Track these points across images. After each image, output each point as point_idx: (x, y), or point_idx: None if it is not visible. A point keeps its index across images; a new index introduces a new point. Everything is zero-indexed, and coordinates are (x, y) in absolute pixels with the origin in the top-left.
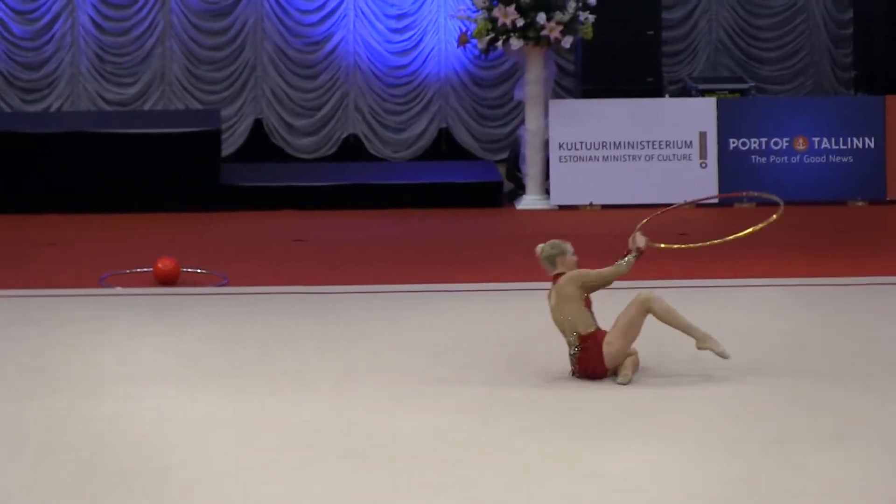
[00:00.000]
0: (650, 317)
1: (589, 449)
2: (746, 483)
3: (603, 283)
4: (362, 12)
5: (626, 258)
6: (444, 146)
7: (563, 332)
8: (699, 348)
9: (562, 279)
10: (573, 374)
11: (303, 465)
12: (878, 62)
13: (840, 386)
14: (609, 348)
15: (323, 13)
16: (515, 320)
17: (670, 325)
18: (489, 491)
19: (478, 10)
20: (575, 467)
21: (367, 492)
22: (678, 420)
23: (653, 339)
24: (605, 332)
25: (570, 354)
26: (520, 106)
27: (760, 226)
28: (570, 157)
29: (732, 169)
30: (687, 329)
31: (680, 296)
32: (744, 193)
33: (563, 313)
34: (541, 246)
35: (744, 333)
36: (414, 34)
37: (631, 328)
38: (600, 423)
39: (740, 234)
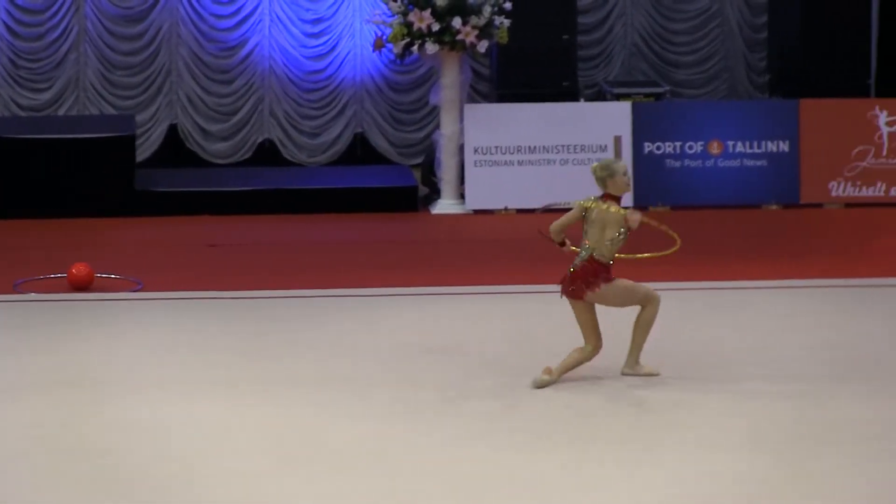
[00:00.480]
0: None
1: (531, 456)
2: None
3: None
4: (277, 17)
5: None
6: (360, 151)
7: (586, 241)
8: (624, 373)
9: (613, 206)
10: (563, 286)
11: (233, 474)
12: (793, 66)
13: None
14: (605, 291)
15: (238, 18)
16: (438, 325)
17: (636, 332)
18: (428, 499)
19: (393, 15)
20: (516, 474)
21: (300, 501)
22: (618, 426)
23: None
24: (615, 278)
25: (574, 263)
26: (435, 110)
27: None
28: (486, 161)
29: (647, 173)
30: (637, 348)
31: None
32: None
33: (596, 230)
34: (594, 165)
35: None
36: (329, 39)
37: (626, 298)
38: (542, 429)
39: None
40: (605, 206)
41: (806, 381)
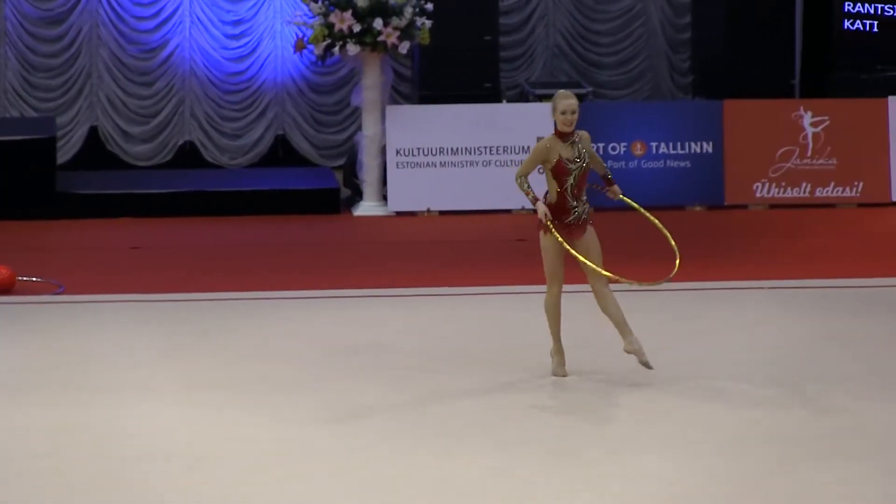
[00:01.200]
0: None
1: (441, 457)
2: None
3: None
4: (198, 19)
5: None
6: (281, 153)
7: (580, 190)
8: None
9: (585, 133)
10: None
11: (149, 476)
12: (716, 67)
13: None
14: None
15: (159, 20)
16: (361, 327)
17: (607, 314)
18: (341, 503)
19: (314, 16)
20: (427, 477)
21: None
22: (524, 428)
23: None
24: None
25: (581, 212)
26: (357, 112)
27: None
28: (408, 163)
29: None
30: (556, 334)
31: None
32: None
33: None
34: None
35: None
36: (250, 40)
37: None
38: (458, 429)
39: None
40: (578, 140)
41: (739, 384)
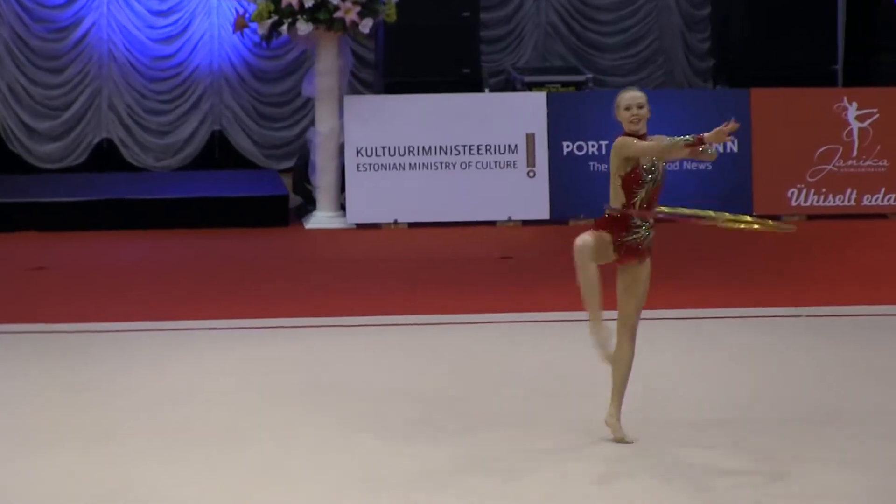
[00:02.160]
0: None
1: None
2: None
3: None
4: None
5: (682, 139)
6: (218, 152)
7: (651, 202)
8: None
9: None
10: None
11: None
12: (741, 48)
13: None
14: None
15: None
16: (313, 363)
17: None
18: None
19: None
20: None
21: None
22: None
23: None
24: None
25: (647, 226)
26: (309, 103)
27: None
28: (370, 164)
29: (566, 178)
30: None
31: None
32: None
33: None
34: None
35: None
36: (181, 17)
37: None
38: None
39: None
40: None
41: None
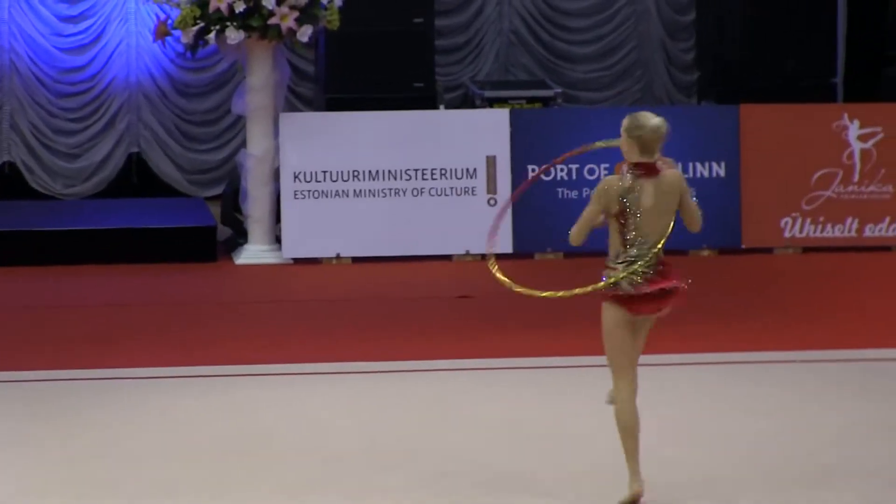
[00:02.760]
0: None
1: None
2: None
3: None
4: None
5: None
6: (137, 178)
7: (645, 239)
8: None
9: (676, 173)
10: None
11: None
12: (729, 59)
13: None
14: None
15: None
16: (242, 416)
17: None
18: None
19: None
20: None
21: None
22: None
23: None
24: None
25: (641, 272)
26: (240, 122)
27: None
28: (309, 191)
29: (532, 207)
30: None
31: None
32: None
33: (666, 217)
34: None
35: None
36: (93, 24)
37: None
38: None
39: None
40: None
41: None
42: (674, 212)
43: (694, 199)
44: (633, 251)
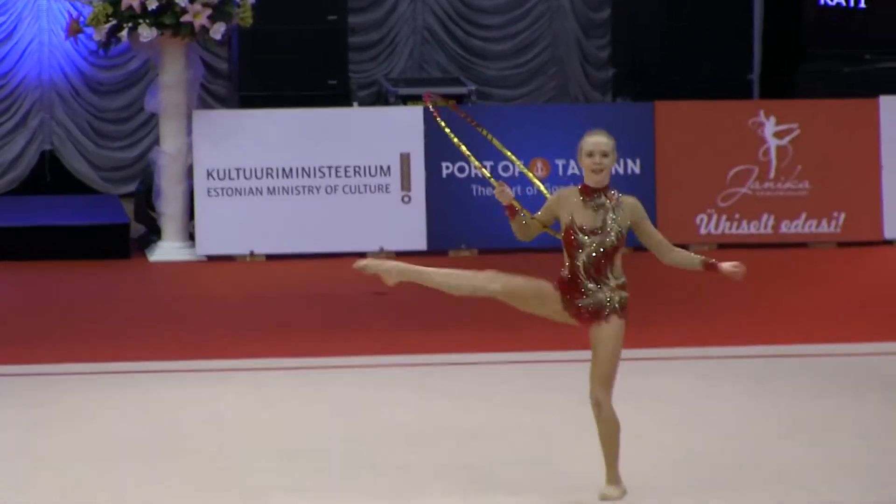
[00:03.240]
0: None
1: None
2: None
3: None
4: None
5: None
6: (50, 175)
7: (613, 267)
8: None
9: (632, 200)
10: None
11: None
12: (646, 57)
13: None
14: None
15: None
16: (153, 414)
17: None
18: None
19: None
20: None
21: None
22: None
23: None
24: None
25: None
26: (153, 120)
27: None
28: (223, 189)
29: (446, 204)
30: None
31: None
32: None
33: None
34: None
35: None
36: (4, 22)
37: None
38: None
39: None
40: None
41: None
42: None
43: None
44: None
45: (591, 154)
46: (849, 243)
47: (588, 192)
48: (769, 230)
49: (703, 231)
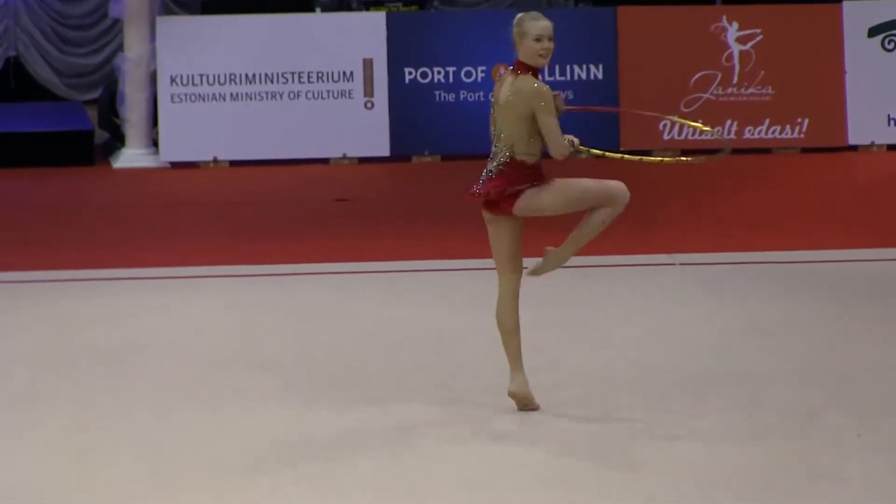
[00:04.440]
0: None
1: None
2: None
3: (546, 135)
4: None
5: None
6: (14, 82)
7: (498, 138)
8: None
9: (527, 80)
10: (474, 192)
11: None
12: None
13: None
14: (537, 195)
15: None
16: (113, 321)
17: (576, 232)
18: None
19: None
20: None
21: None
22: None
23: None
24: (543, 184)
25: (488, 169)
26: (117, 25)
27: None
28: (187, 95)
29: (409, 110)
30: (569, 247)
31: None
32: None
33: (511, 119)
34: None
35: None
36: None
37: (573, 198)
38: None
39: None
40: (516, 80)
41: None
42: (527, 118)
43: (552, 122)
44: (493, 147)
45: (539, 39)
46: (813, 149)
47: (528, 70)
48: (732, 136)
49: (665, 137)
